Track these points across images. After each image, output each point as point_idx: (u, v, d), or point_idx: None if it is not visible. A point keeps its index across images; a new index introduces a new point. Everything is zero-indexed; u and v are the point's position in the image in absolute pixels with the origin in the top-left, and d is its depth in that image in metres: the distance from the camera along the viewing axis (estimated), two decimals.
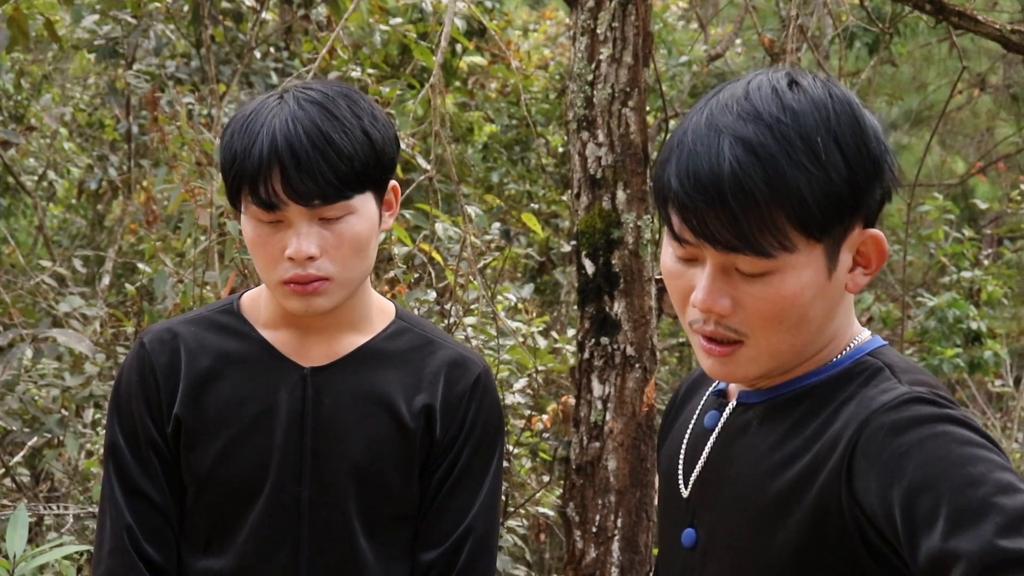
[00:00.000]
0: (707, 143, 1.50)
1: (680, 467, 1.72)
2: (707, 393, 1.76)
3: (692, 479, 1.69)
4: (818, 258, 1.53)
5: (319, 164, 1.99)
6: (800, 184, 1.49)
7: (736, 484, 1.63)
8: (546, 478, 5.56)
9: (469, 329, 4.78)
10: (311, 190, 1.99)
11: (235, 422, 2.13)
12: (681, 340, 7.58)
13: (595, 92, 4.07)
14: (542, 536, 5.59)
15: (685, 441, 1.73)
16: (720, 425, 1.68)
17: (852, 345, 1.62)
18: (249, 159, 2.00)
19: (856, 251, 1.57)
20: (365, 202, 2.06)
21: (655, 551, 4.23)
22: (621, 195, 4.06)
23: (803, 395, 1.60)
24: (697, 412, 1.75)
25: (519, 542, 5.33)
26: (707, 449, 1.68)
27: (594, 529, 4.08)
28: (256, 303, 2.19)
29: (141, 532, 2.14)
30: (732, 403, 1.69)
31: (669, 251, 1.59)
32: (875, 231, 1.56)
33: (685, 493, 1.70)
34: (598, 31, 4.07)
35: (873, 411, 1.50)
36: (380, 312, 2.21)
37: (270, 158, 1.99)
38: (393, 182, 2.13)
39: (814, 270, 1.53)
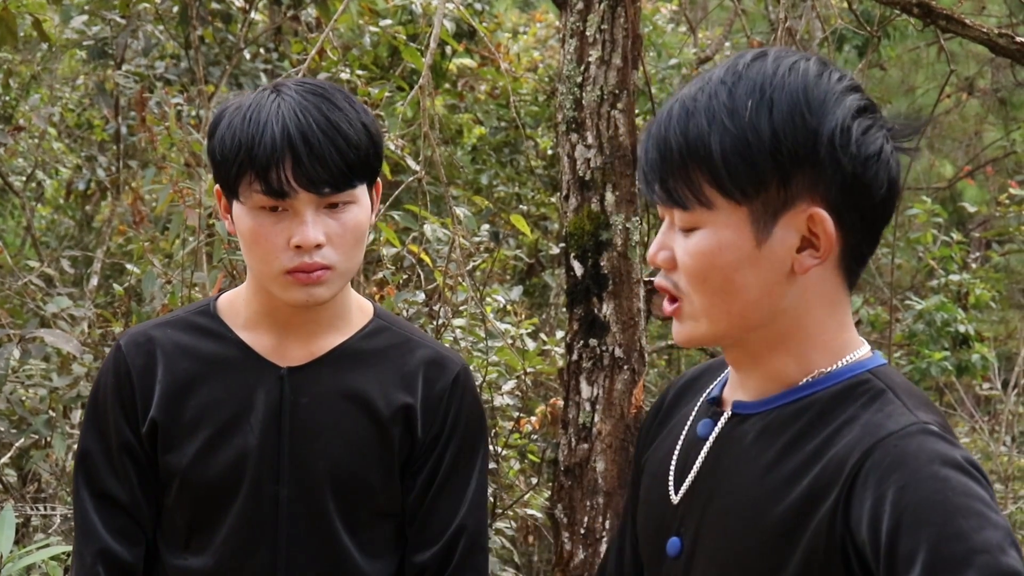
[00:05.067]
0: (667, 106, 1.59)
1: (671, 473, 1.70)
2: (700, 400, 1.74)
3: (683, 488, 1.67)
4: (742, 222, 1.53)
5: (330, 151, 2.01)
6: (712, 140, 1.51)
7: (727, 498, 1.61)
8: (534, 480, 5.56)
9: (458, 331, 4.78)
10: (322, 177, 2.01)
11: (212, 423, 2.13)
12: (670, 342, 7.58)
13: (584, 94, 4.07)
14: (530, 538, 5.59)
15: (678, 447, 1.71)
16: (714, 435, 1.66)
17: (849, 358, 1.59)
18: (260, 146, 2.01)
19: (807, 231, 1.54)
20: (364, 193, 2.09)
21: None
22: (610, 197, 4.06)
23: (801, 410, 1.57)
24: (691, 418, 1.73)
25: (507, 544, 5.33)
26: (700, 459, 1.66)
27: (582, 531, 4.08)
28: (234, 304, 2.19)
29: (108, 532, 2.15)
30: (727, 412, 1.66)
31: None
32: (817, 209, 1.53)
33: (675, 500, 1.68)
34: (587, 33, 4.07)
35: (879, 439, 1.48)
36: (359, 311, 2.21)
37: (282, 145, 2.00)
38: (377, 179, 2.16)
39: (735, 233, 1.53)
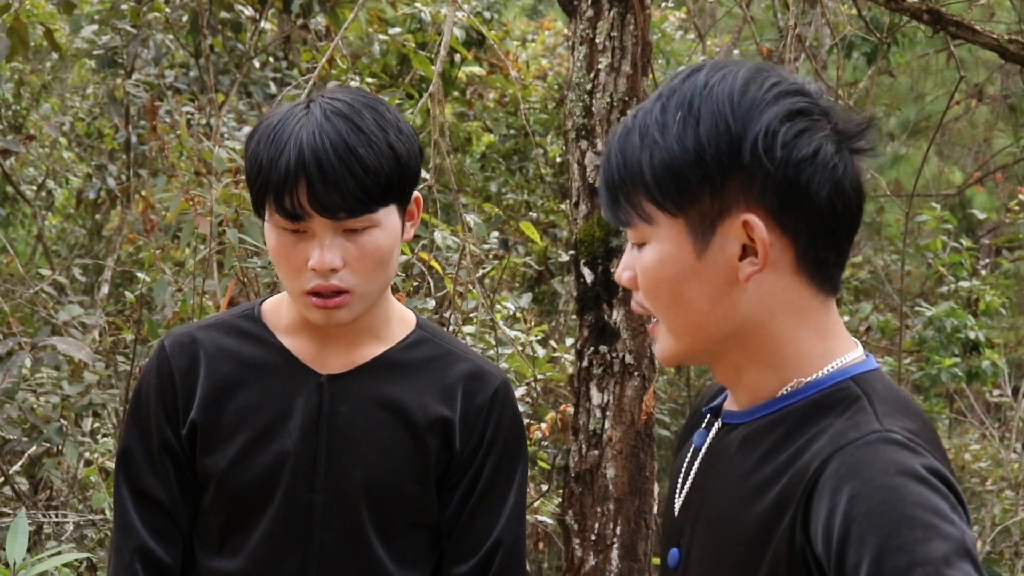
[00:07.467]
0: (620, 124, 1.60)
1: (679, 485, 1.70)
2: (703, 410, 1.73)
3: (681, 499, 1.67)
4: (680, 235, 1.53)
5: (345, 178, 1.98)
6: (642, 156, 1.53)
7: (713, 508, 1.60)
8: (545, 487, 5.56)
9: (468, 338, 4.79)
10: (336, 203, 1.99)
11: (251, 427, 2.14)
12: None
13: (594, 101, 4.08)
14: (541, 544, 5.59)
15: (687, 458, 1.71)
16: (706, 445, 1.66)
17: (832, 366, 1.56)
18: (275, 170, 2.00)
19: (747, 238, 1.51)
20: (389, 215, 2.06)
21: (654, 559, 4.23)
22: None
23: (779, 420, 1.55)
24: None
25: None
26: (694, 469, 1.66)
27: (593, 537, 4.08)
28: (277, 310, 2.20)
29: (146, 530, 2.16)
30: (718, 423, 1.65)
31: None
32: (749, 215, 1.50)
33: (677, 512, 1.68)
34: (597, 40, 4.08)
35: (839, 448, 1.46)
36: (400, 321, 2.21)
37: (296, 170, 1.98)
38: (416, 193, 2.12)
39: (675, 246, 1.53)
